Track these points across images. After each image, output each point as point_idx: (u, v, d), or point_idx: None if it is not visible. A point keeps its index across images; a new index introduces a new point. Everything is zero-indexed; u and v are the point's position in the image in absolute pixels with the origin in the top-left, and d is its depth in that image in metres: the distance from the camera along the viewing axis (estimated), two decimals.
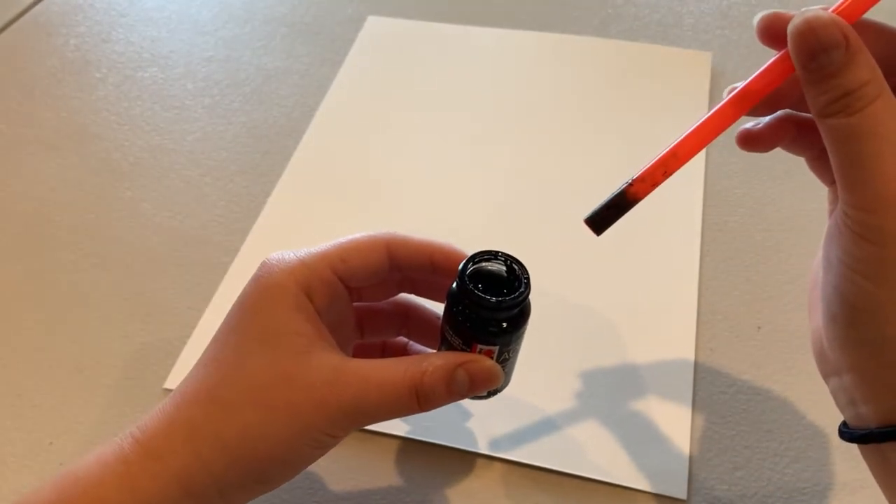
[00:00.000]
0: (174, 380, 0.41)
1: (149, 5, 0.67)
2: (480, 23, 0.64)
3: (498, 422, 0.39)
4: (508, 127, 0.55)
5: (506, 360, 0.31)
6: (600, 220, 0.28)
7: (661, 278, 0.45)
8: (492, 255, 0.30)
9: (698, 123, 0.27)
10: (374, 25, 0.64)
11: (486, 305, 0.29)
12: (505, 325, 0.30)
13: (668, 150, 0.27)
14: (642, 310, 0.44)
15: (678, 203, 0.49)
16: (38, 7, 0.67)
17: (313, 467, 0.38)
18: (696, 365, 0.41)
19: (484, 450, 0.38)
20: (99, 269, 0.47)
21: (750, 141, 0.30)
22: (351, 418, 0.29)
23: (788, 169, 0.52)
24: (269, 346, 0.29)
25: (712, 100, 0.56)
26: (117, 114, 0.57)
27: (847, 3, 0.25)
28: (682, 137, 0.27)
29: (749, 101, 0.27)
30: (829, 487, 0.37)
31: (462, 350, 0.30)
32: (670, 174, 0.27)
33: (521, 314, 0.30)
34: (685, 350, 0.42)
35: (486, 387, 0.30)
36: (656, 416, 0.39)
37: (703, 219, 0.48)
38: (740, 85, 0.27)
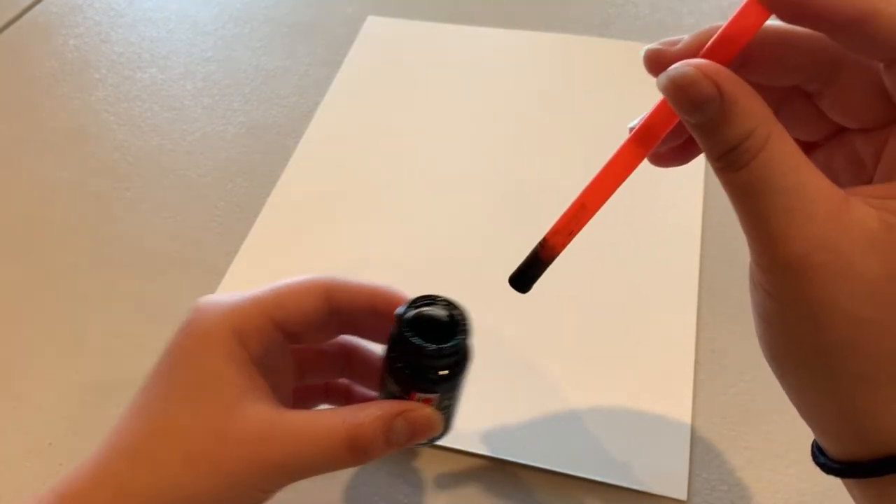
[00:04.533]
0: None
1: (148, 5, 0.67)
2: (480, 23, 0.64)
3: (497, 423, 0.39)
4: (508, 127, 0.55)
5: (447, 406, 0.30)
6: (522, 281, 0.27)
7: (661, 279, 0.45)
8: (431, 300, 0.29)
9: (601, 169, 0.25)
10: (374, 25, 0.64)
11: (424, 353, 0.28)
12: (445, 372, 0.28)
13: (575, 202, 0.25)
14: (643, 310, 0.44)
15: (678, 203, 0.49)
16: (37, 8, 0.67)
17: None
18: (697, 365, 0.41)
19: (483, 451, 0.38)
20: (98, 269, 0.47)
21: (662, 159, 0.27)
22: (284, 475, 0.27)
23: None
24: (198, 398, 0.27)
25: None
26: (116, 114, 0.57)
27: (717, 40, 0.22)
28: (588, 186, 0.25)
29: (651, 139, 0.24)
30: (830, 489, 0.37)
31: (401, 397, 0.29)
32: (584, 224, 0.26)
33: (460, 361, 0.29)
34: (685, 350, 0.42)
35: (426, 436, 0.29)
36: (656, 417, 0.39)
37: (703, 219, 0.48)
38: (637, 121, 0.25)
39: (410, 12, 0.65)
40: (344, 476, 0.38)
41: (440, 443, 0.38)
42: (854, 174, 0.24)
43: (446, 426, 0.31)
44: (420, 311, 0.29)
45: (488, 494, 0.37)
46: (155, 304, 0.45)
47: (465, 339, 0.28)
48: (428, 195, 0.51)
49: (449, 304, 0.29)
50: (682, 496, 0.36)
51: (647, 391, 0.40)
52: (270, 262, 0.47)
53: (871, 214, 0.21)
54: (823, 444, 0.25)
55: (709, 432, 0.39)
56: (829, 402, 0.23)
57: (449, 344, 0.28)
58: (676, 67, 0.22)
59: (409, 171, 0.52)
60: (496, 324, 0.43)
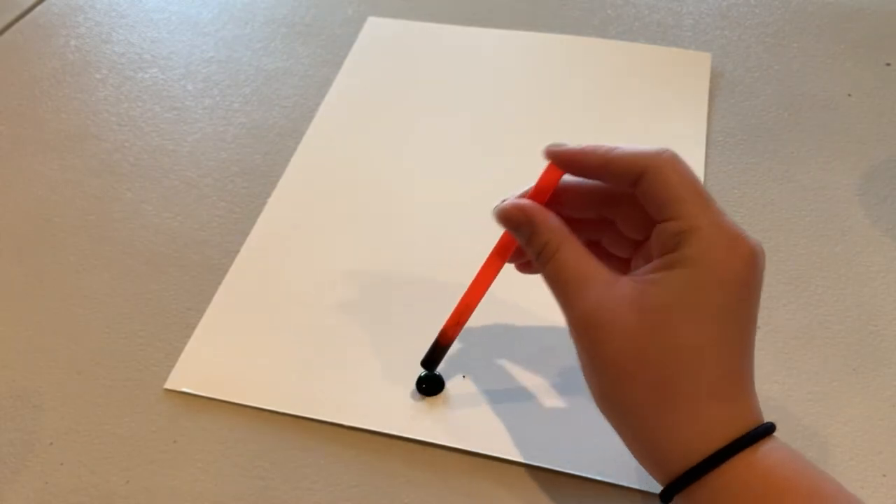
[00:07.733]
0: (174, 380, 0.41)
1: (149, 6, 0.67)
2: (480, 23, 0.64)
3: (497, 422, 0.39)
4: (508, 127, 0.55)
5: None
6: (429, 363, 0.38)
7: None
8: None
9: (475, 276, 0.35)
10: (374, 26, 0.64)
11: None
12: None
13: (460, 301, 0.36)
14: None
15: None
16: (38, 8, 0.67)
17: (312, 466, 0.38)
18: None
19: (483, 450, 0.38)
20: (99, 269, 0.47)
21: (525, 268, 0.36)
22: None
23: (788, 169, 0.52)
24: None
25: (712, 100, 0.56)
26: (117, 115, 0.57)
27: (535, 188, 0.33)
28: (468, 289, 0.35)
29: (507, 251, 0.35)
30: None
31: None
32: (469, 316, 0.36)
33: None
34: None
35: None
36: None
37: None
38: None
39: (410, 13, 0.65)
40: (345, 476, 0.38)
41: (441, 442, 0.38)
42: None
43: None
44: None
45: (488, 493, 0.37)
46: (155, 305, 0.45)
47: None
48: (429, 195, 0.51)
49: None
50: None
51: None
52: (272, 262, 0.47)
53: (630, 284, 0.30)
54: (651, 475, 0.31)
55: None
56: (632, 438, 0.31)
57: None
58: (503, 204, 0.33)
59: (409, 171, 0.52)
60: (498, 323, 0.43)
